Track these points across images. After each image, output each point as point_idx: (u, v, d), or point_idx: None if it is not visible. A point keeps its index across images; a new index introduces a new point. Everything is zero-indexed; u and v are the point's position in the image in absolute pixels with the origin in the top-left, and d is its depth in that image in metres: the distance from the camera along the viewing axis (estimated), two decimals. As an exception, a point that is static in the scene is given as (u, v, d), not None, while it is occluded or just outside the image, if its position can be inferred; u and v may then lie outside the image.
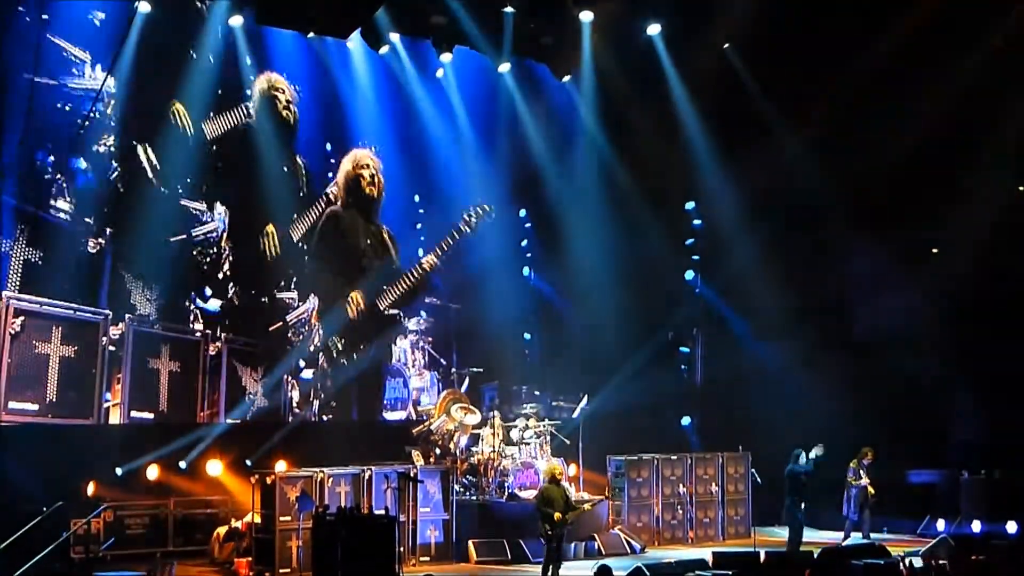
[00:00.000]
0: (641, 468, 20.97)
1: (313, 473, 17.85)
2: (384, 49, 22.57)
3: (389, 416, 23.33)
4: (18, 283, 18.62)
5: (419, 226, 24.34)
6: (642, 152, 24.15)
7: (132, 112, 20.04)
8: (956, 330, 22.15)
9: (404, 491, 18.08)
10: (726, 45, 23.44)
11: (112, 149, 19.89)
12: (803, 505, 18.61)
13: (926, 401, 22.35)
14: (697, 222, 25.53)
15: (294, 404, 22.19)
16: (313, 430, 22.09)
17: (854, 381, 22.66)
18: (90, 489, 18.46)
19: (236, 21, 20.88)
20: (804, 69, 22.20)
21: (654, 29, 23.21)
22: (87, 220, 19.52)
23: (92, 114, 19.46)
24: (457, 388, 22.64)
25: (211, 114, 21.05)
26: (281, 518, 17.26)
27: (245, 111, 21.61)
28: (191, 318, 20.92)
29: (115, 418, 19.77)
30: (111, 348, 19.61)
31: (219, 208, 21.31)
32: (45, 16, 18.95)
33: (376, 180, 23.27)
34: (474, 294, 24.04)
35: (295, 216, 22.31)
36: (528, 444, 20.60)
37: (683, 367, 25.69)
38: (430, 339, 23.88)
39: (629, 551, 19.64)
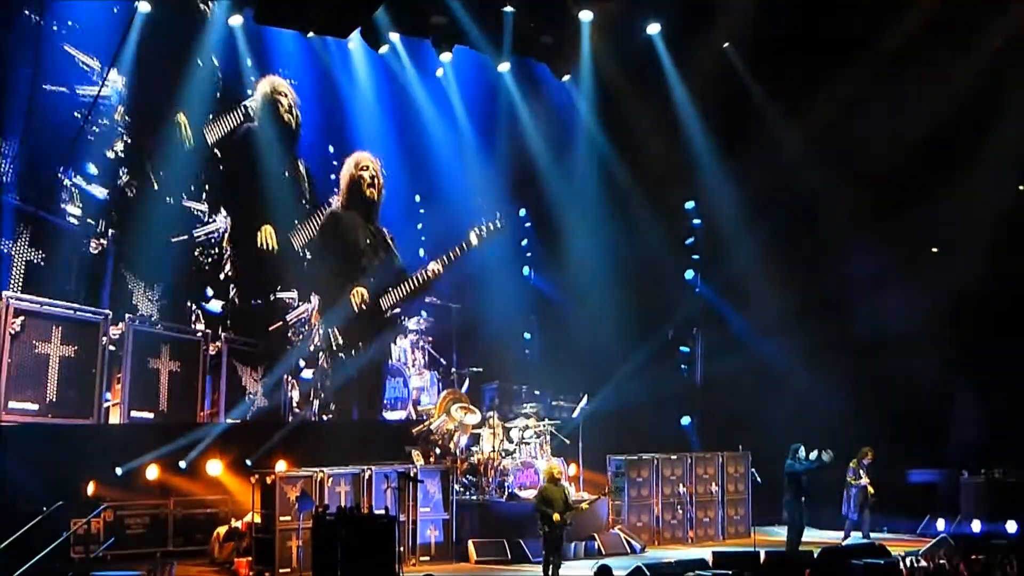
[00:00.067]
0: (641, 468, 20.97)
1: (313, 473, 17.85)
2: (384, 49, 22.58)
3: (389, 416, 23.34)
4: (20, 283, 18.64)
5: (420, 226, 24.36)
6: (642, 151, 24.17)
7: (135, 116, 20.12)
8: (956, 330, 22.16)
9: (404, 491, 18.08)
10: (726, 45, 23.45)
11: (121, 155, 19.95)
12: (803, 500, 18.55)
13: (926, 401, 22.33)
14: (697, 221, 25.54)
15: (294, 404, 22.20)
16: (313, 430, 22.10)
17: (854, 381, 22.67)
18: (90, 489, 18.45)
19: (236, 21, 20.89)
20: (804, 69, 22.20)
21: (654, 29, 23.21)
22: (90, 221, 19.55)
23: (99, 120, 19.52)
24: (457, 388, 22.64)
25: (211, 117, 21.08)
26: (281, 518, 17.25)
27: (246, 113, 21.64)
28: (193, 318, 20.93)
29: (115, 418, 19.78)
30: (111, 348, 19.62)
31: (221, 209, 21.33)
32: (55, 27, 19.04)
33: (376, 182, 23.29)
34: (474, 294, 24.05)
35: (297, 222, 22.34)
36: (528, 444, 20.59)
37: (683, 367, 25.69)
38: (430, 338, 23.88)
39: (629, 551, 19.63)
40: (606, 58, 23.39)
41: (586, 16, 22.48)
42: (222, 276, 21.38)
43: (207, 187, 21.19)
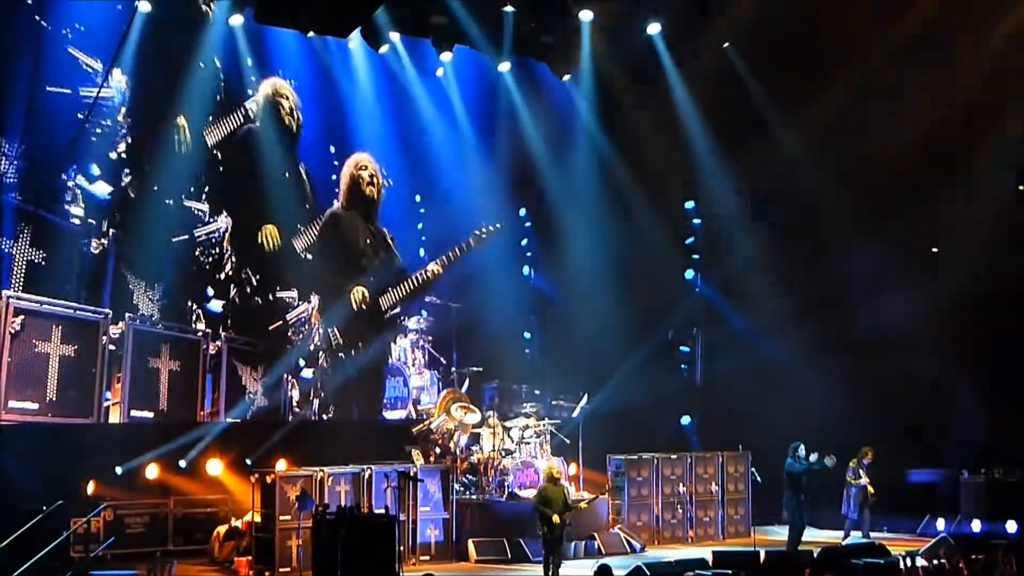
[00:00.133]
0: (641, 467, 20.97)
1: (313, 472, 17.85)
2: (384, 49, 22.59)
3: (389, 415, 23.34)
4: (21, 283, 18.65)
5: (420, 226, 24.37)
6: (642, 151, 24.18)
7: (137, 116, 20.17)
8: (956, 330, 22.14)
9: (404, 490, 18.08)
10: (726, 44, 23.45)
11: (123, 156, 19.98)
12: (803, 500, 18.52)
13: (926, 401, 22.34)
14: (697, 221, 25.55)
15: (294, 403, 22.21)
16: (313, 429, 22.10)
17: (854, 381, 22.65)
18: (90, 488, 18.43)
19: (236, 20, 20.90)
20: (804, 68, 22.20)
21: (654, 28, 23.21)
22: (91, 221, 19.57)
23: (101, 121, 19.57)
24: (457, 387, 22.64)
25: (213, 117, 21.13)
26: (281, 517, 17.25)
27: (247, 114, 21.67)
28: (193, 318, 20.95)
29: (115, 417, 19.78)
30: (111, 347, 19.63)
31: (221, 209, 21.35)
32: (59, 29, 19.09)
33: (375, 181, 23.31)
34: (474, 293, 24.05)
35: (298, 224, 22.36)
36: (528, 443, 20.60)
37: (683, 366, 25.70)
38: (430, 338, 23.89)
39: (629, 550, 19.63)
40: (606, 58, 23.42)
41: (586, 16, 22.50)
42: (222, 276, 21.40)
43: (208, 187, 21.22)
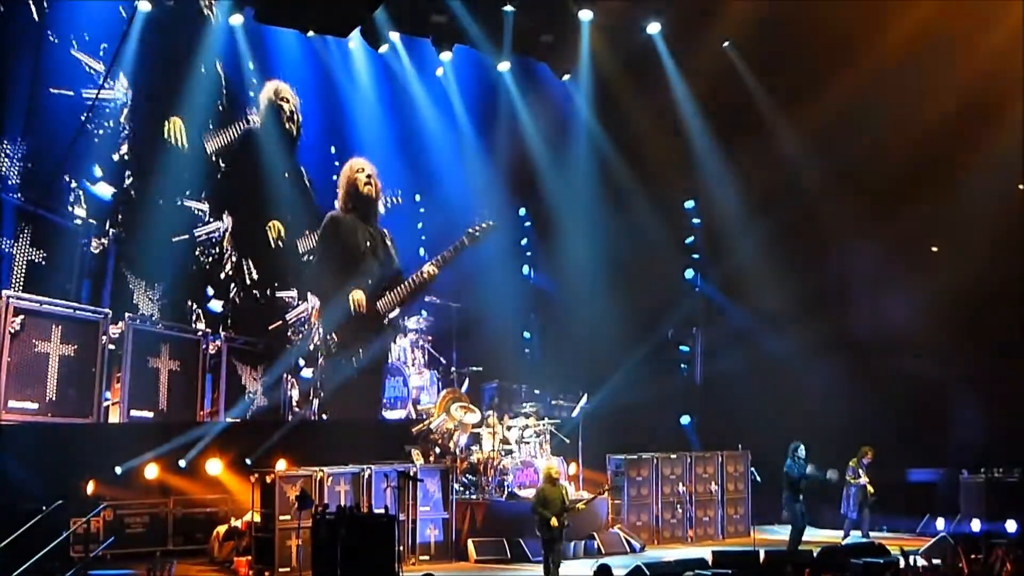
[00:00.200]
0: (641, 467, 20.96)
1: (313, 472, 17.85)
2: (384, 48, 22.60)
3: (389, 415, 23.32)
4: (21, 283, 18.66)
5: (420, 225, 24.37)
6: (642, 150, 24.17)
7: (139, 117, 20.23)
8: (956, 330, 22.13)
9: (404, 490, 18.07)
10: (726, 43, 23.44)
11: (126, 157, 19.99)
12: (801, 499, 18.46)
13: (926, 401, 22.33)
14: (696, 221, 25.54)
15: (294, 403, 22.21)
16: (313, 429, 22.09)
17: (854, 380, 22.65)
18: (90, 488, 18.41)
19: (236, 20, 20.91)
20: (804, 66, 22.19)
21: (654, 28, 23.20)
22: (91, 221, 19.59)
23: (104, 122, 19.62)
24: (457, 387, 22.63)
25: (213, 118, 21.18)
26: (281, 517, 17.24)
27: (248, 117, 21.69)
28: (193, 317, 20.96)
29: (115, 417, 19.79)
30: (111, 347, 19.63)
31: (221, 209, 21.36)
32: (61, 31, 19.18)
33: (373, 181, 23.29)
34: (474, 292, 24.04)
35: (297, 225, 22.38)
36: (528, 443, 20.59)
37: (683, 366, 25.70)
38: (430, 337, 23.85)
39: (628, 550, 19.62)
40: (606, 57, 23.40)
41: (586, 15, 22.49)
42: (222, 275, 21.42)
43: (208, 187, 21.24)
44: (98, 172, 19.71)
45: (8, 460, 17.61)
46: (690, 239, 25.65)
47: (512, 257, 25.25)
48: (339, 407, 22.68)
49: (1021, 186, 22.10)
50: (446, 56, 22.93)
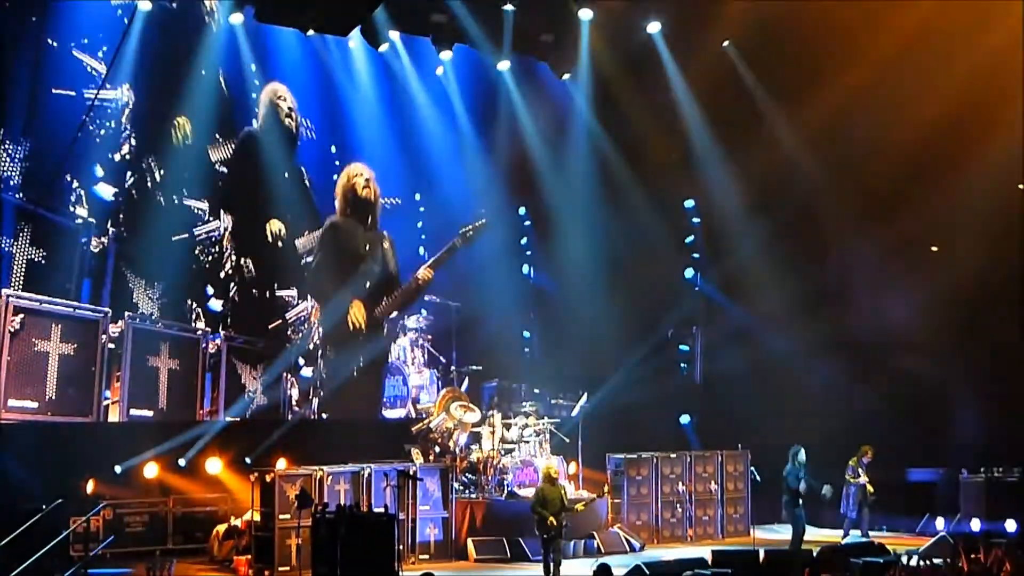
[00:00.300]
0: (640, 466, 20.96)
1: (312, 471, 17.85)
2: (384, 47, 22.60)
3: (388, 414, 23.33)
4: (20, 282, 18.67)
5: (420, 224, 24.37)
6: (642, 150, 24.18)
7: (140, 117, 20.27)
8: (956, 329, 22.13)
9: (403, 489, 18.06)
10: (726, 43, 23.44)
11: (127, 157, 20.02)
12: (801, 503, 18.43)
13: (926, 401, 22.33)
14: (696, 220, 25.55)
15: (293, 402, 22.22)
16: (312, 428, 22.10)
17: (854, 379, 22.65)
18: (89, 487, 18.44)
19: (237, 19, 20.92)
20: (804, 66, 22.19)
21: (654, 27, 23.20)
22: (91, 220, 19.61)
23: (105, 123, 19.66)
24: (456, 386, 22.63)
25: (213, 119, 21.18)
26: (280, 516, 17.24)
27: (248, 117, 21.72)
28: (193, 316, 20.96)
29: (114, 416, 19.80)
30: (110, 346, 19.64)
31: (221, 208, 21.37)
32: (63, 32, 19.22)
33: (371, 185, 23.30)
34: (474, 292, 24.05)
35: (298, 226, 22.39)
36: (527, 442, 20.60)
37: (683, 365, 25.70)
38: (429, 336, 23.87)
39: (628, 549, 19.62)
40: (606, 56, 23.39)
41: (586, 15, 22.48)
42: (222, 274, 21.42)
43: (208, 187, 21.24)
44: (99, 172, 19.74)
45: (8, 459, 17.62)
46: (690, 239, 25.65)
47: (512, 256, 25.26)
48: (339, 406, 22.69)
49: (1021, 186, 22.09)
50: (446, 55, 22.93)
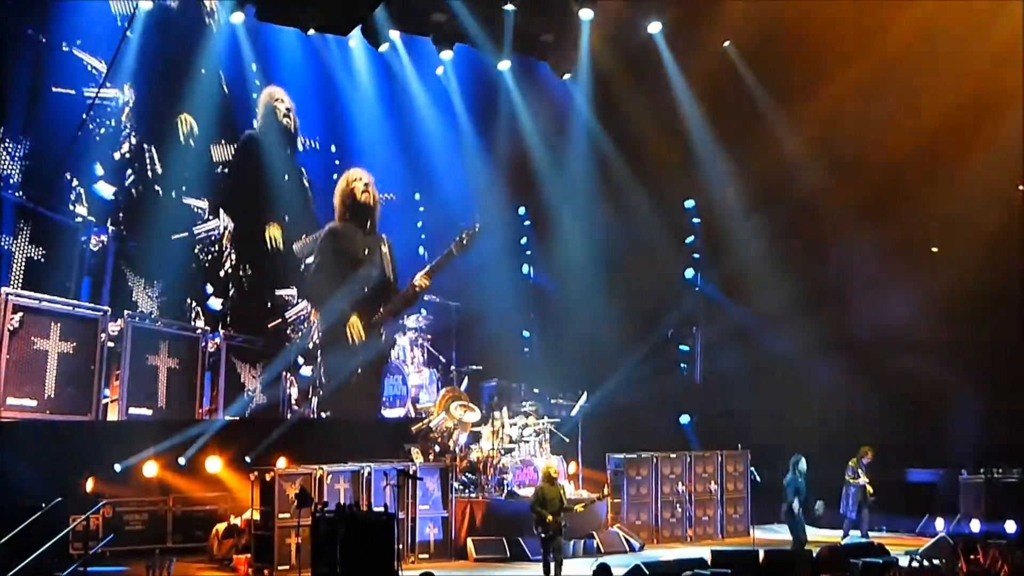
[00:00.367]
0: (640, 466, 20.95)
1: (312, 470, 17.84)
2: (384, 47, 22.60)
3: (388, 413, 23.33)
4: (20, 280, 18.67)
5: (419, 224, 24.37)
6: (642, 150, 24.17)
7: (140, 116, 20.31)
8: (956, 330, 22.13)
9: (403, 488, 18.05)
10: (726, 43, 23.44)
11: (127, 156, 20.02)
12: (800, 511, 18.34)
13: (926, 400, 22.33)
14: (696, 220, 25.55)
15: (293, 401, 22.22)
16: (312, 427, 22.09)
17: (854, 380, 22.64)
18: (89, 485, 18.45)
19: (237, 18, 20.92)
20: (804, 66, 22.19)
21: (655, 27, 23.20)
22: (91, 218, 19.61)
23: (106, 121, 19.70)
24: (456, 385, 22.63)
25: (213, 119, 21.19)
26: (280, 515, 17.23)
27: (248, 117, 21.73)
28: (192, 315, 20.96)
29: (114, 414, 19.80)
30: (110, 344, 19.64)
31: (221, 208, 21.38)
32: (64, 31, 19.25)
33: (370, 189, 23.31)
34: (473, 291, 24.05)
35: (297, 227, 22.40)
36: (527, 442, 20.59)
37: (682, 365, 25.70)
38: (429, 336, 23.87)
39: (628, 549, 19.60)
40: (606, 56, 23.39)
41: (586, 15, 22.48)
42: (222, 273, 21.43)
43: (208, 186, 21.25)
44: (99, 171, 19.75)
45: (7, 458, 17.59)
46: (690, 239, 25.65)
47: (511, 256, 25.27)
48: (338, 405, 22.69)
49: (1021, 186, 22.10)
50: (446, 55, 22.92)
